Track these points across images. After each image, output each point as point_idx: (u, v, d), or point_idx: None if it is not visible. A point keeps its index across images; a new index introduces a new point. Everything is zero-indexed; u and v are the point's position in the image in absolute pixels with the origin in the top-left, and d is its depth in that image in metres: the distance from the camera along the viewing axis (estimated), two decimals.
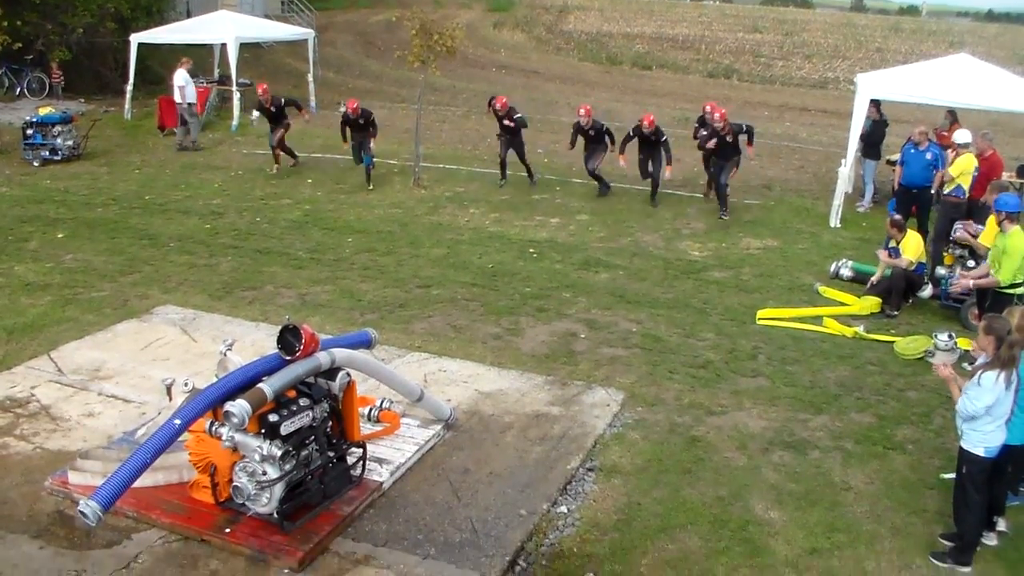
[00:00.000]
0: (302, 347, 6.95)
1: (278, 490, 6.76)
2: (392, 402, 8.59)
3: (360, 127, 18.25)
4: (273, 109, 18.83)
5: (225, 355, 7.66)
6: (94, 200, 16.83)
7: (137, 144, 22.06)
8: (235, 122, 23.59)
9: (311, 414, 7.04)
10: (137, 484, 6.59)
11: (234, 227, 15.34)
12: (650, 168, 17.52)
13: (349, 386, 7.49)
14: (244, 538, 6.90)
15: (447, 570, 6.73)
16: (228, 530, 6.98)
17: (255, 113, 19.55)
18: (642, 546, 7.20)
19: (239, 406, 6.51)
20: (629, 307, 12.15)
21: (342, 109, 18.62)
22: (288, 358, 6.99)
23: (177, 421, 6.55)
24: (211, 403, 6.71)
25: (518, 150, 18.44)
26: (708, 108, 17.41)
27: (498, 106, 18.11)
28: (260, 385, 6.74)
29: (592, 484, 8.01)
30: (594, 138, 17.81)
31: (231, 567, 6.71)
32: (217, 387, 6.79)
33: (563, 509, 7.62)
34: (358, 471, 7.67)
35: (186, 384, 7.33)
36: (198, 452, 7.06)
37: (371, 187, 18.14)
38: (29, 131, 19.65)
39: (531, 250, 14.46)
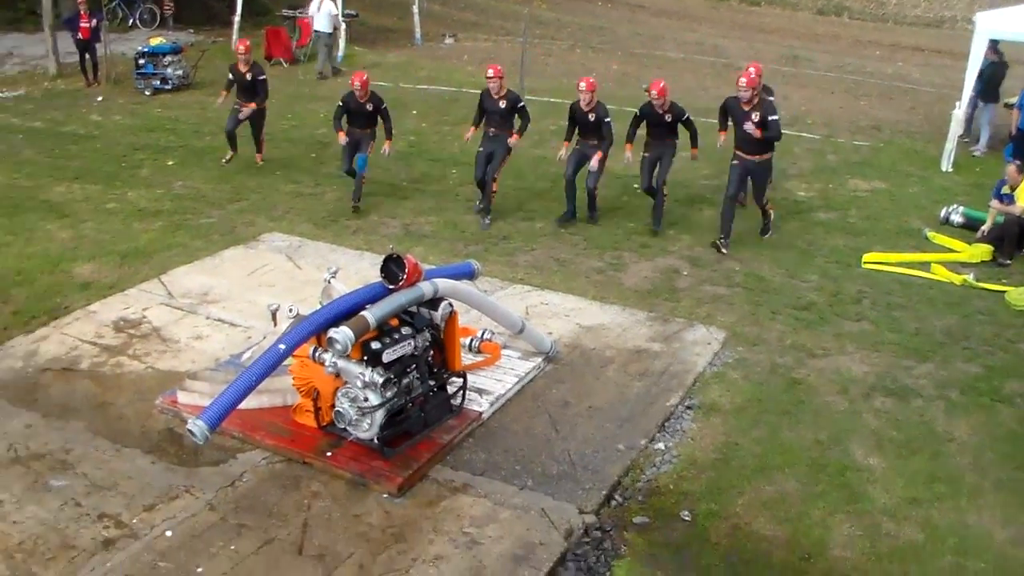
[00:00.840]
0: (405, 277, 7.00)
1: (379, 416, 6.86)
2: (493, 333, 8.64)
3: (364, 116, 12.95)
4: (249, 77, 14.46)
5: (329, 283, 7.80)
6: (202, 129, 17.12)
7: None
8: (340, 53, 23.70)
9: (413, 343, 7.10)
10: (242, 406, 6.77)
11: (339, 157, 15.39)
12: (655, 174, 12.32)
13: (451, 316, 7.55)
14: (345, 462, 7.04)
15: (544, 501, 6.79)
16: (329, 454, 7.13)
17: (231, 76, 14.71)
18: (739, 486, 7.16)
19: (343, 333, 6.60)
20: (733, 246, 11.97)
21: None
22: (391, 287, 7.05)
23: (282, 346, 6.69)
24: (315, 329, 6.82)
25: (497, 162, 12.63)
26: (753, 69, 11.52)
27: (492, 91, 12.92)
28: (363, 313, 6.82)
29: (691, 422, 7.99)
30: (592, 128, 12.26)
31: (332, 490, 6.86)
32: (321, 314, 6.91)
33: (661, 446, 7.61)
34: (458, 401, 7.76)
35: (291, 310, 7.45)
36: (302, 377, 7.19)
37: (358, 205, 12.98)
38: (141, 61, 20.03)
39: (635, 185, 14.23)
